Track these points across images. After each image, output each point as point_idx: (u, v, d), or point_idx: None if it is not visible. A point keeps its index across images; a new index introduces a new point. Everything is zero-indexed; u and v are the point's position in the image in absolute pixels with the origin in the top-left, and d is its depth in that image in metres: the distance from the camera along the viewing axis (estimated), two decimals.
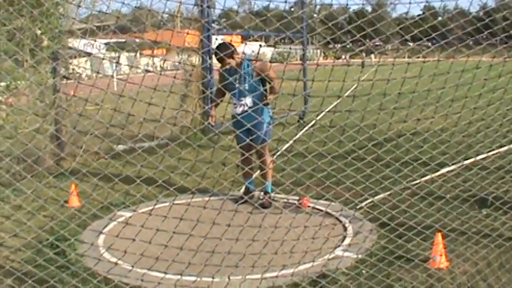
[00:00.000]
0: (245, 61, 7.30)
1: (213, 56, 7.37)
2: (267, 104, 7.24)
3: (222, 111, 7.26)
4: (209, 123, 7.41)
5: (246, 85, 7.22)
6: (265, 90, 7.26)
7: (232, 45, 7.30)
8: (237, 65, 7.26)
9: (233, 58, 7.19)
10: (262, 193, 7.64)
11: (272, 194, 7.60)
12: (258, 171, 7.97)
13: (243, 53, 7.36)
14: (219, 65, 7.39)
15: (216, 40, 12.85)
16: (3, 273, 4.76)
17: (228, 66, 7.17)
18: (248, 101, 7.27)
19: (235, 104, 7.38)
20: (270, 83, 7.16)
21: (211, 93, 7.68)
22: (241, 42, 11.45)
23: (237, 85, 7.19)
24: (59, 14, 8.72)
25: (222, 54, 7.09)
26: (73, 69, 11.57)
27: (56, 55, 9.60)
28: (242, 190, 7.91)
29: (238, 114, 7.20)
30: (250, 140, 7.05)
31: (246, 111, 7.14)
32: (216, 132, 6.30)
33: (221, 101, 7.69)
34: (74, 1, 7.35)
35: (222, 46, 7.24)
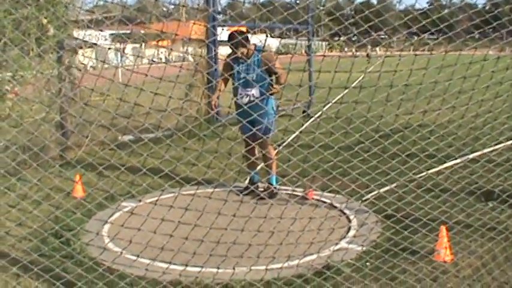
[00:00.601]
0: (256, 52, 7.28)
1: (228, 42, 7.32)
2: (272, 94, 7.22)
3: (228, 101, 7.25)
4: (215, 113, 7.41)
5: (254, 75, 7.19)
6: (271, 81, 7.24)
7: (247, 35, 7.30)
8: (247, 55, 7.27)
9: (246, 47, 7.19)
10: (266, 185, 7.62)
11: (277, 186, 7.58)
12: (262, 163, 7.96)
13: (254, 44, 7.35)
14: (224, 55, 7.41)
15: (222, 30, 12.82)
16: (8, 262, 4.77)
17: (238, 55, 7.17)
18: (255, 91, 7.24)
19: (241, 94, 7.32)
20: (275, 74, 7.14)
21: (217, 83, 7.61)
22: (247, 33, 11.41)
23: (244, 75, 7.16)
24: (65, 3, 8.71)
25: (233, 40, 7.10)
26: (79, 60, 11.56)
27: (62, 44, 9.60)
28: (247, 181, 7.91)
29: (244, 104, 7.13)
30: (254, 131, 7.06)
31: (252, 101, 7.15)
32: (222, 122, 6.29)
33: (225, 85, 7.69)
34: None
35: (237, 33, 7.22)
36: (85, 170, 7.65)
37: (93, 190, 7.39)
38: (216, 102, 7.50)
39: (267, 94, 7.15)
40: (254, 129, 6.25)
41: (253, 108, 6.72)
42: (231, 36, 7.19)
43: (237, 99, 7.37)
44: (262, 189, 7.57)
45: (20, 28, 7.69)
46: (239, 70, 7.20)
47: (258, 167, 7.84)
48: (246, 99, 7.27)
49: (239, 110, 7.15)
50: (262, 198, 6.96)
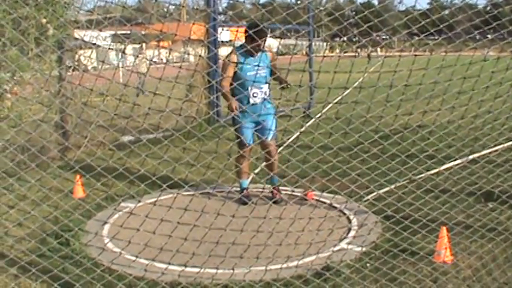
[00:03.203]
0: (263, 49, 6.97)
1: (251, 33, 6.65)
2: (285, 88, 6.80)
3: (225, 102, 7.14)
4: (234, 114, 7.10)
5: (266, 72, 6.93)
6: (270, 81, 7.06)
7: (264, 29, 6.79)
8: (256, 52, 6.91)
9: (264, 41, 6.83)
10: (271, 187, 7.42)
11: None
12: (263, 164, 7.78)
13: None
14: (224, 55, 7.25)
15: (222, 31, 12.78)
16: (7, 263, 4.76)
17: (261, 47, 6.81)
18: (266, 87, 6.96)
19: (254, 92, 6.91)
20: (277, 72, 6.98)
21: (217, 83, 7.40)
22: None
23: (256, 72, 6.84)
24: (64, 2, 8.70)
25: (260, 32, 6.59)
26: (78, 59, 11.57)
27: (62, 44, 9.59)
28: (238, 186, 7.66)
29: (254, 105, 6.86)
30: (261, 135, 6.90)
31: (264, 99, 6.94)
32: (222, 122, 6.22)
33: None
34: None
35: (256, 25, 6.63)
36: (85, 171, 7.64)
37: (93, 191, 7.38)
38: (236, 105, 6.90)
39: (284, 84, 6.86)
40: (270, 134, 6.11)
41: (266, 108, 6.67)
42: (256, 28, 6.55)
43: (250, 98, 6.93)
44: (267, 191, 7.38)
45: (19, 28, 7.68)
46: (249, 66, 6.83)
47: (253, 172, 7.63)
48: (259, 98, 6.93)
49: (250, 112, 6.74)
50: (276, 202, 6.91)
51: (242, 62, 6.77)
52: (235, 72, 6.89)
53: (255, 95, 6.94)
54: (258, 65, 6.77)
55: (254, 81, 6.75)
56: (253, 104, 6.89)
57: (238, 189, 7.44)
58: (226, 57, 7.09)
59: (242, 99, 6.89)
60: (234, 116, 6.89)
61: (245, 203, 6.99)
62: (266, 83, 6.98)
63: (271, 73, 7.08)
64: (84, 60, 11.49)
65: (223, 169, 6.98)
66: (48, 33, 8.31)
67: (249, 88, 6.85)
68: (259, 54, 6.94)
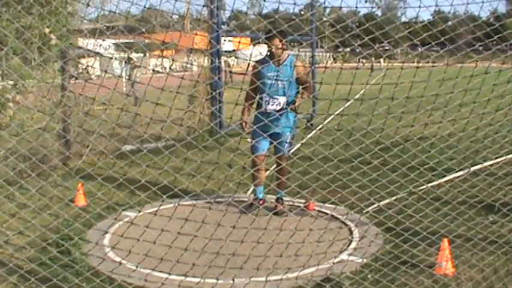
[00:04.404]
0: (289, 58, 6.95)
1: (265, 38, 6.80)
2: (295, 108, 6.88)
3: (229, 112, 7.15)
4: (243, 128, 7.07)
5: (285, 83, 6.84)
6: (296, 93, 6.97)
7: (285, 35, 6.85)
8: (279, 58, 6.92)
9: (282, 47, 6.82)
10: (274, 200, 7.40)
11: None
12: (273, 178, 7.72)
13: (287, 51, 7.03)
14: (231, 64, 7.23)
15: (225, 41, 12.80)
16: (7, 271, 4.76)
17: (273, 49, 6.75)
18: (282, 100, 6.87)
19: (266, 100, 6.90)
20: (303, 86, 6.88)
21: (219, 94, 7.38)
22: (250, 44, 11.43)
23: (274, 81, 6.80)
24: (67, 12, 8.73)
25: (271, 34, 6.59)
26: (84, 68, 11.61)
27: (65, 54, 9.61)
28: (250, 194, 7.68)
29: (268, 113, 6.79)
30: (274, 147, 6.85)
31: (278, 110, 6.82)
32: (222, 133, 6.24)
33: (252, 103, 7.14)
34: (82, 0, 7.34)
35: (268, 31, 6.69)
36: (86, 180, 7.65)
37: (94, 200, 7.38)
38: (247, 121, 7.13)
39: (292, 107, 6.82)
40: (275, 143, 6.05)
41: (278, 119, 6.62)
42: (269, 33, 6.66)
43: (263, 105, 6.93)
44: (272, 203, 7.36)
45: (22, 37, 7.70)
46: (269, 76, 6.82)
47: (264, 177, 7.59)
48: (271, 107, 6.87)
49: (260, 119, 6.55)
50: (276, 213, 6.85)
51: (262, 67, 6.71)
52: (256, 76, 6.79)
53: (267, 103, 6.90)
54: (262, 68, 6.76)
55: (264, 88, 6.76)
56: (266, 112, 6.82)
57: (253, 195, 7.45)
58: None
59: (257, 104, 7.02)
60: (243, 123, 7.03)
61: (245, 213, 6.97)
62: (284, 94, 6.87)
63: (297, 87, 6.99)
64: (88, 69, 11.54)
65: (224, 180, 6.97)
66: (51, 42, 8.33)
67: (264, 95, 6.85)
68: (282, 64, 6.91)
